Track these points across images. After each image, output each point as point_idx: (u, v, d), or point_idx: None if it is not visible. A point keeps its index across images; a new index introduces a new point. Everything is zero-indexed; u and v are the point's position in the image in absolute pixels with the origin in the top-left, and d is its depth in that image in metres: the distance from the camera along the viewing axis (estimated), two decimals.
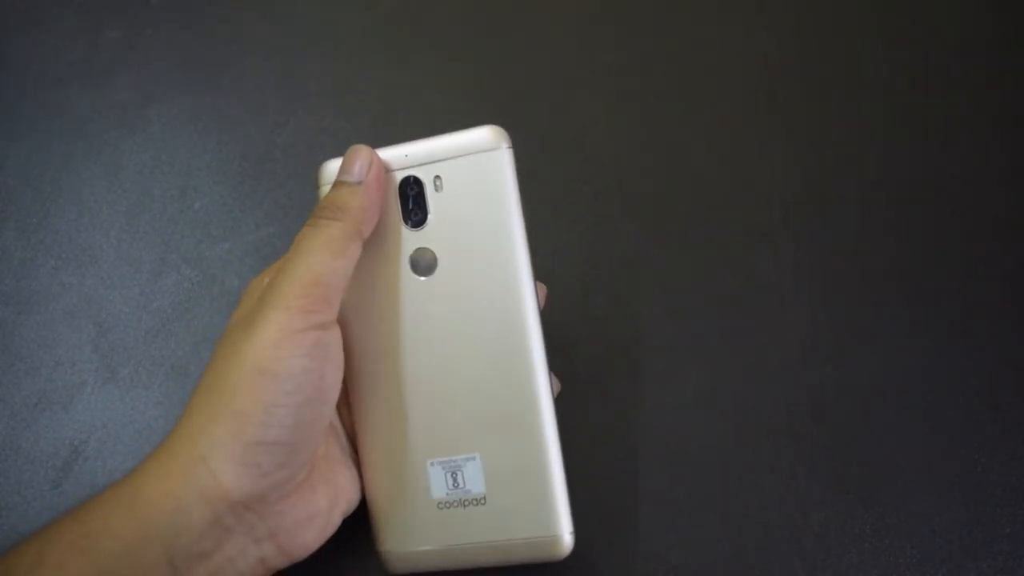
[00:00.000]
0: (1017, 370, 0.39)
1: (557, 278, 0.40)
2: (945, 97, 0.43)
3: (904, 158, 0.42)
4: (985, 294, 0.40)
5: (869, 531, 0.37)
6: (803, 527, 0.37)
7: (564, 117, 0.43)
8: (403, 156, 0.33)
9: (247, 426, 0.28)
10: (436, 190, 0.33)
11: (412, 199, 0.33)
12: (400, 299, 0.33)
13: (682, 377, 0.39)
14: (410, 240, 0.33)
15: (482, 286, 0.32)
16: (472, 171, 0.32)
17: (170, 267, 0.42)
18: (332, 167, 0.34)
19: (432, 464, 0.33)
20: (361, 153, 0.33)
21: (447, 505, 0.33)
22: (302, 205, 0.43)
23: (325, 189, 0.34)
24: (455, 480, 0.33)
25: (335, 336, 0.31)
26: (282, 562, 0.31)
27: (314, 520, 0.31)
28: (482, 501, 0.32)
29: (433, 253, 0.33)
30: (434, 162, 0.33)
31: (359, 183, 0.32)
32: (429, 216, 0.33)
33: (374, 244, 0.33)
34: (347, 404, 0.35)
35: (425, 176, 0.33)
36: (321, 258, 0.30)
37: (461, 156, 0.33)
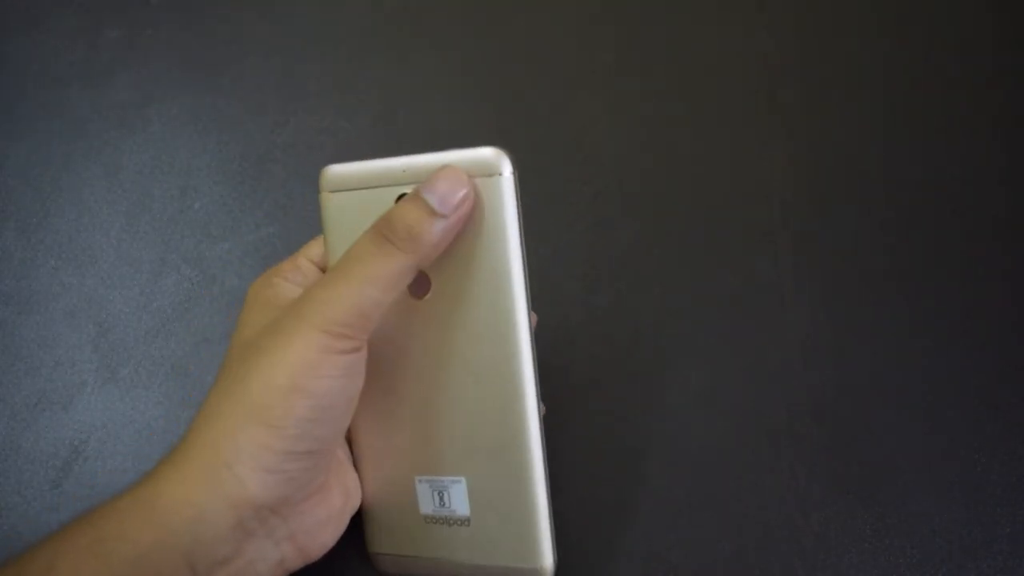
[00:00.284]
0: (1017, 370, 0.39)
1: (557, 278, 0.40)
2: (945, 97, 0.43)
3: (904, 158, 0.42)
4: (985, 294, 0.40)
5: (869, 531, 0.37)
6: (803, 527, 0.37)
7: (564, 117, 0.43)
8: (400, 170, 0.31)
9: (279, 439, 0.28)
10: None
11: None
12: (394, 320, 0.32)
13: (682, 377, 0.39)
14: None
15: (476, 311, 0.31)
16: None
17: (170, 267, 0.42)
18: (335, 172, 0.33)
19: (420, 481, 0.33)
20: (458, 182, 0.29)
21: (433, 520, 0.33)
22: (302, 205, 0.43)
23: (326, 196, 0.33)
24: (441, 499, 0.33)
25: (364, 353, 0.31)
26: (299, 563, 0.31)
27: (332, 519, 0.32)
28: (466, 523, 0.32)
29: (426, 275, 0.32)
30: None
31: (444, 216, 0.29)
32: None
33: None
34: None
35: None
36: (373, 293, 0.29)
37: None
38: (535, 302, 0.34)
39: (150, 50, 0.46)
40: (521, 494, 0.32)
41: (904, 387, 0.39)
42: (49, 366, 0.41)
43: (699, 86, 0.44)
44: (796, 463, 0.38)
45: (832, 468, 0.38)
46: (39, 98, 0.45)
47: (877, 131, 0.43)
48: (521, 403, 0.31)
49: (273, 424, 0.28)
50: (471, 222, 0.30)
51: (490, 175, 0.30)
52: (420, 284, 0.32)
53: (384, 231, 0.29)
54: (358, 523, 0.34)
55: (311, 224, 0.42)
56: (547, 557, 0.32)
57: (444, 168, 0.29)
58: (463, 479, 0.32)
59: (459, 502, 0.32)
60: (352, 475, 0.34)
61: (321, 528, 0.31)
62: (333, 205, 0.33)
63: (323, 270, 0.34)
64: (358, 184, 0.32)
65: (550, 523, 0.32)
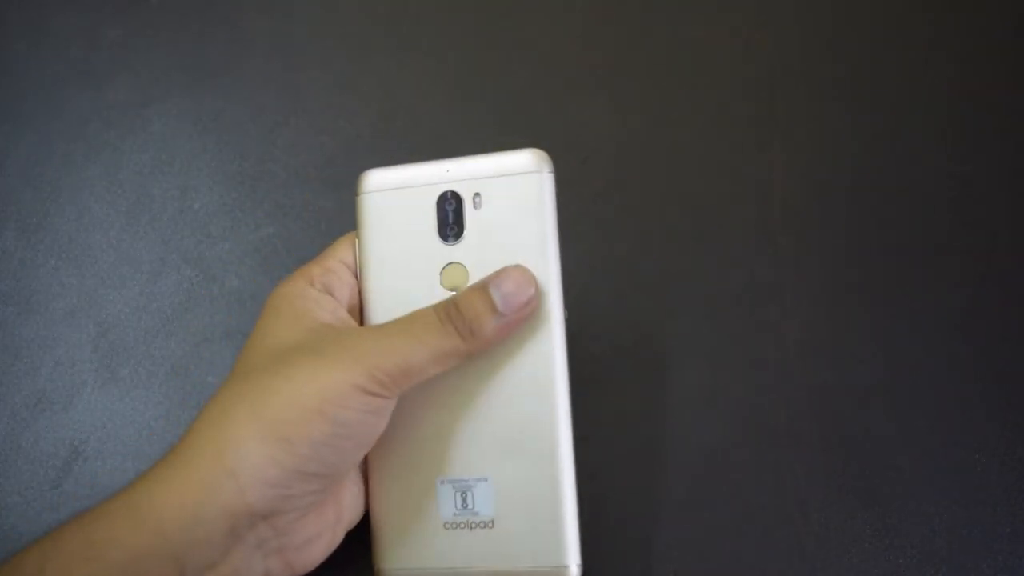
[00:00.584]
0: (1017, 370, 0.39)
1: None
2: (945, 97, 0.43)
3: (904, 158, 0.42)
4: (985, 294, 0.40)
5: (869, 531, 0.37)
6: (803, 527, 0.37)
7: (564, 117, 0.43)
8: (444, 171, 0.33)
9: (290, 456, 0.28)
10: (475, 207, 0.33)
11: (450, 213, 0.33)
12: None
13: (682, 377, 0.39)
14: (442, 254, 0.33)
15: None
16: (513, 191, 0.32)
17: (170, 267, 0.42)
18: (370, 179, 0.33)
19: (442, 482, 0.32)
20: (526, 283, 0.31)
21: (454, 526, 0.32)
22: (302, 205, 0.43)
23: (363, 197, 0.33)
24: (464, 501, 0.32)
25: (394, 403, 0.31)
26: None
27: (322, 536, 0.31)
28: (490, 524, 0.32)
29: (465, 269, 0.32)
30: (475, 179, 0.33)
31: (504, 315, 0.30)
32: (465, 232, 0.33)
33: (404, 257, 0.33)
34: None
35: (465, 192, 0.33)
36: (423, 359, 0.30)
37: (503, 176, 0.32)
38: None
39: (150, 50, 0.46)
40: (549, 491, 0.31)
41: (904, 387, 0.39)
42: (49, 366, 0.41)
43: (699, 86, 0.44)
44: (796, 463, 0.38)
45: (832, 468, 0.38)
46: (39, 98, 0.45)
47: (877, 131, 0.43)
48: (553, 397, 0.32)
49: (288, 440, 0.28)
50: (509, 215, 0.32)
51: (533, 172, 0.32)
52: (455, 277, 0.32)
53: (451, 313, 0.30)
54: (352, 538, 0.33)
55: (311, 224, 0.42)
56: (573, 556, 0.31)
57: (515, 267, 0.31)
58: (489, 477, 0.32)
59: (484, 502, 0.32)
60: (352, 490, 0.33)
61: (311, 544, 0.31)
62: (371, 205, 0.33)
63: (355, 274, 0.34)
64: (398, 185, 0.33)
65: (577, 522, 0.32)
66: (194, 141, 0.44)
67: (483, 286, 0.31)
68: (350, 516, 0.33)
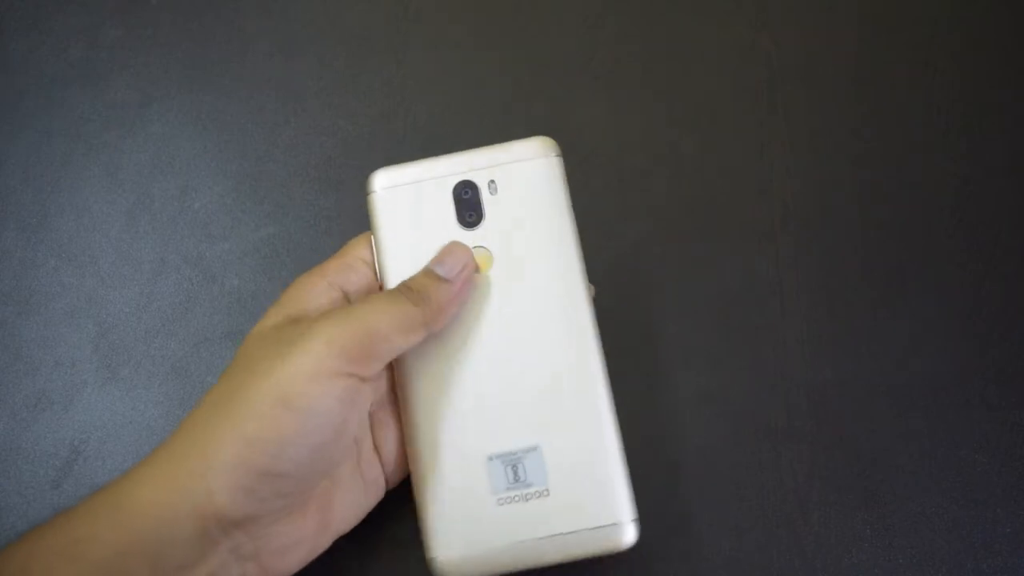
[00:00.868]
0: (1017, 370, 0.39)
1: None
2: (945, 97, 0.43)
3: (904, 158, 0.42)
4: (985, 294, 0.40)
5: (869, 531, 0.37)
6: (803, 527, 0.37)
7: (564, 117, 0.43)
8: (455, 163, 0.35)
9: (257, 456, 0.28)
10: (491, 193, 0.34)
11: (467, 202, 0.34)
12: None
13: (682, 377, 0.39)
14: (465, 240, 0.34)
15: (539, 281, 0.34)
16: (526, 176, 0.34)
17: (170, 267, 0.42)
18: (382, 177, 0.35)
19: (491, 459, 0.33)
20: (458, 253, 0.33)
21: (507, 500, 0.32)
22: (302, 205, 0.43)
23: (373, 196, 0.35)
24: (515, 474, 0.32)
25: (367, 392, 0.31)
26: None
27: (301, 545, 0.31)
28: (544, 493, 0.32)
29: (489, 251, 0.34)
30: (487, 167, 0.34)
31: (447, 281, 0.32)
32: (484, 217, 0.34)
33: (426, 248, 0.34)
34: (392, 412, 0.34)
35: (480, 180, 0.34)
36: (385, 322, 0.30)
37: (514, 162, 0.34)
38: None
39: (150, 50, 0.46)
40: (600, 452, 0.32)
41: (904, 387, 0.39)
42: (49, 366, 0.41)
43: (699, 86, 0.44)
44: (796, 463, 0.38)
45: (832, 468, 0.38)
46: (39, 98, 0.45)
47: (877, 131, 0.43)
48: (589, 360, 0.33)
49: (255, 438, 0.28)
50: (526, 198, 0.34)
51: (543, 156, 0.35)
52: (480, 260, 0.34)
53: (403, 288, 0.32)
54: (338, 547, 0.33)
55: (311, 224, 0.42)
56: (629, 512, 0.32)
57: (449, 244, 0.34)
58: (538, 446, 0.32)
59: (536, 472, 0.32)
60: (342, 497, 0.32)
61: (288, 551, 0.30)
62: (385, 202, 0.34)
63: (373, 269, 0.34)
64: (410, 180, 0.35)
65: (628, 479, 0.32)
66: (194, 141, 0.44)
67: (425, 266, 0.33)
68: (340, 524, 0.32)
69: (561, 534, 0.32)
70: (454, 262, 0.33)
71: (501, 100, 0.44)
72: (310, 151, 0.44)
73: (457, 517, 0.32)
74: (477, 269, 0.34)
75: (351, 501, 0.33)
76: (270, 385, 0.28)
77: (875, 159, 0.42)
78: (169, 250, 0.43)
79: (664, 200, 0.42)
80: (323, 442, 0.29)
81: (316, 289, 0.33)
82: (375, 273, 0.34)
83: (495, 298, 0.34)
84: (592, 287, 0.35)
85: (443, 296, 0.32)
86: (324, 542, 0.32)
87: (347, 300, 0.33)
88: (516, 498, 0.32)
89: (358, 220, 0.40)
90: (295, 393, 0.28)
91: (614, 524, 0.32)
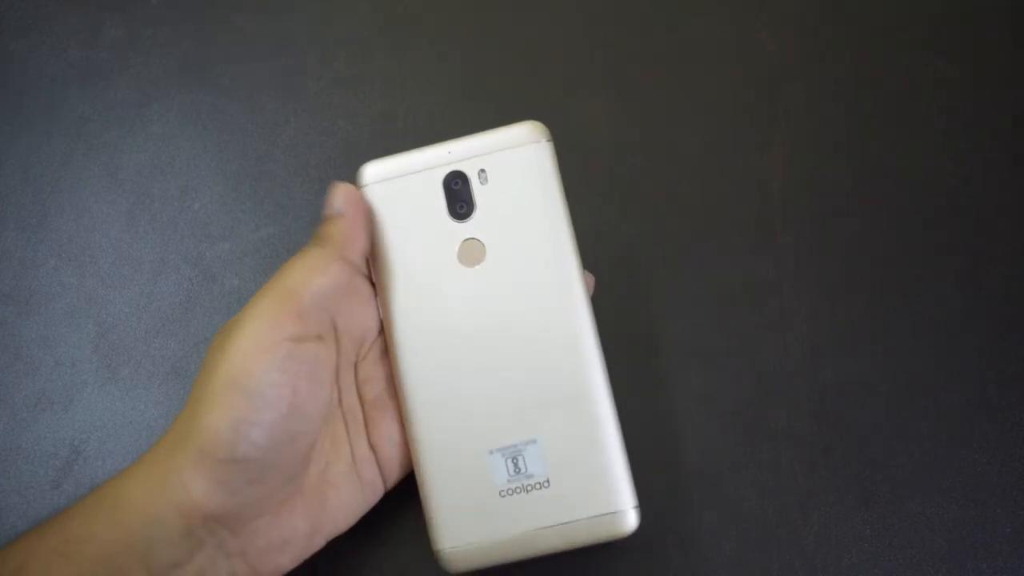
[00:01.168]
0: (1016, 370, 0.39)
1: None
2: (945, 97, 0.43)
3: (904, 158, 0.42)
4: (985, 294, 0.40)
5: (869, 531, 0.37)
6: (803, 527, 0.37)
7: (564, 117, 0.43)
8: (446, 153, 0.34)
9: (216, 443, 0.28)
10: (481, 183, 0.34)
11: (457, 193, 0.34)
12: (449, 292, 0.34)
13: (682, 377, 0.39)
14: (457, 232, 0.34)
15: (533, 271, 0.33)
16: (516, 163, 0.34)
17: (170, 267, 0.42)
18: (374, 168, 0.35)
19: (492, 452, 0.33)
20: (337, 188, 0.33)
21: (509, 492, 0.33)
22: (302, 205, 0.43)
23: (366, 190, 0.34)
24: (516, 466, 0.33)
25: (312, 352, 0.30)
26: None
27: (291, 544, 0.31)
28: (545, 484, 0.32)
29: (481, 243, 0.34)
30: (477, 156, 0.34)
31: (339, 215, 0.33)
32: (476, 208, 0.34)
33: (418, 241, 0.34)
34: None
35: (469, 170, 0.34)
36: (297, 274, 0.31)
37: (504, 150, 0.34)
38: None
39: (150, 50, 0.46)
40: (598, 441, 0.32)
41: (904, 387, 0.39)
42: (49, 366, 0.41)
43: (699, 86, 0.44)
44: (796, 463, 0.38)
45: (832, 468, 0.38)
46: (39, 98, 0.45)
47: (877, 131, 0.43)
48: (586, 348, 0.33)
49: (210, 426, 0.28)
50: (517, 186, 0.34)
51: (532, 143, 0.34)
52: (476, 253, 0.34)
53: (311, 241, 0.33)
54: (329, 549, 0.33)
55: (311, 224, 0.42)
56: (629, 500, 0.32)
57: (332, 185, 0.34)
58: (537, 438, 0.33)
59: (536, 464, 0.33)
60: (341, 498, 0.32)
61: (276, 551, 0.30)
62: (375, 196, 0.34)
63: (369, 263, 0.35)
64: (400, 173, 0.34)
65: (627, 467, 0.33)
66: (194, 141, 0.44)
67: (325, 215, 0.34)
68: (335, 525, 0.32)
69: (563, 523, 0.32)
70: (336, 197, 0.33)
71: (501, 100, 0.44)
72: (310, 151, 0.44)
73: (462, 510, 0.33)
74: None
75: (347, 502, 0.32)
76: (218, 371, 0.29)
77: (875, 159, 0.42)
78: (169, 250, 0.43)
79: (664, 200, 0.42)
80: (279, 417, 0.29)
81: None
82: (369, 271, 0.35)
83: (490, 291, 0.34)
84: (591, 276, 0.35)
85: (340, 228, 0.33)
86: (317, 542, 0.32)
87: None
88: (518, 490, 0.33)
89: None
90: (239, 372, 0.28)
91: (615, 512, 0.32)
